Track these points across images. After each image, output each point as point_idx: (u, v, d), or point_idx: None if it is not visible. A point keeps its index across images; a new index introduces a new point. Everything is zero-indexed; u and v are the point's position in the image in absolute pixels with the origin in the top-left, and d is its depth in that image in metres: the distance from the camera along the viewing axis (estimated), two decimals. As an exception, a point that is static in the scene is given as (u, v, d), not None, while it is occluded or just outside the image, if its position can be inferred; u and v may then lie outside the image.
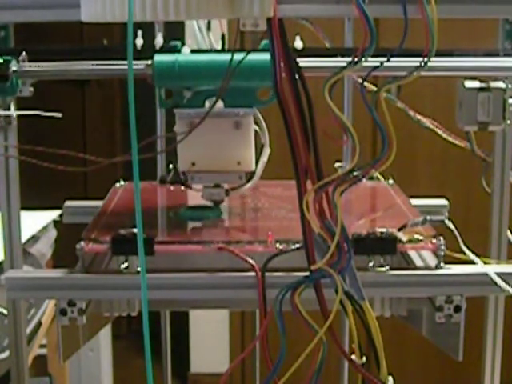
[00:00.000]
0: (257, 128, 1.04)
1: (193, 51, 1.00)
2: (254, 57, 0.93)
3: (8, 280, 0.93)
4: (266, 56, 0.90)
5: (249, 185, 1.04)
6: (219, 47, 1.06)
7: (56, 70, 0.95)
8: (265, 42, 0.97)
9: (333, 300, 0.81)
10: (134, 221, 0.73)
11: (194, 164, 1.02)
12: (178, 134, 0.99)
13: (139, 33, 1.00)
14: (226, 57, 0.94)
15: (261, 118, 1.03)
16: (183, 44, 1.01)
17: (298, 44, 1.00)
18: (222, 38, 1.06)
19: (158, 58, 0.95)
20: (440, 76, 0.95)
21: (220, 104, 0.99)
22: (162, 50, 0.98)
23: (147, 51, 0.97)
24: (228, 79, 0.90)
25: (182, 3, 0.73)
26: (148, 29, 1.04)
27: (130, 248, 0.92)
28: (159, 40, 1.02)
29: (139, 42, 1.00)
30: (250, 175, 1.04)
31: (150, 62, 0.94)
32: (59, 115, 0.96)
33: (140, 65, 0.95)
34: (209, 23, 1.08)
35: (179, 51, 0.98)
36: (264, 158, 1.04)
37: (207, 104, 0.99)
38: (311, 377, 0.84)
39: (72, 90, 3.15)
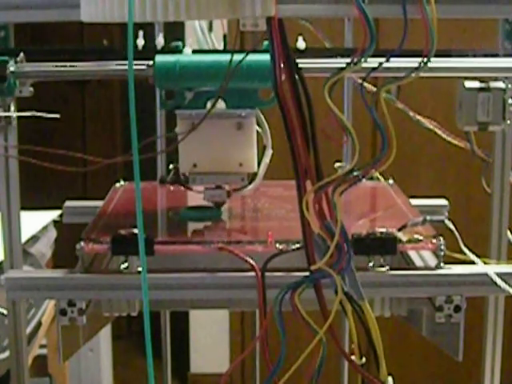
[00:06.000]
0: (259, 129, 1.03)
1: (194, 52, 1.00)
2: (256, 57, 0.92)
3: (8, 280, 0.93)
4: (268, 56, 0.90)
5: (251, 186, 1.03)
6: (221, 47, 1.06)
7: (54, 70, 0.95)
8: (267, 42, 0.97)
9: (333, 300, 0.81)
10: (134, 221, 0.73)
11: (195, 165, 1.01)
12: (180, 134, 0.99)
13: (140, 33, 0.99)
14: (228, 57, 0.93)
15: (263, 118, 1.03)
16: (183, 44, 1.00)
17: (301, 44, 1.00)
18: (224, 38, 1.06)
19: (159, 58, 0.94)
20: (440, 77, 0.95)
21: (222, 105, 0.99)
22: (164, 51, 0.97)
23: (149, 52, 0.97)
24: (228, 80, 0.90)
25: (182, 3, 0.73)
26: (149, 29, 1.04)
27: (130, 248, 0.92)
28: (160, 40, 1.02)
29: (140, 42, 1.00)
30: (251, 176, 1.03)
31: (151, 62, 0.94)
32: (57, 116, 0.96)
33: (141, 65, 0.95)
34: (210, 23, 1.07)
35: (181, 52, 0.98)
36: (266, 160, 1.03)
37: (209, 105, 0.99)
38: (311, 377, 0.84)
39: (72, 90, 3.16)
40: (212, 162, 1.01)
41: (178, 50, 0.98)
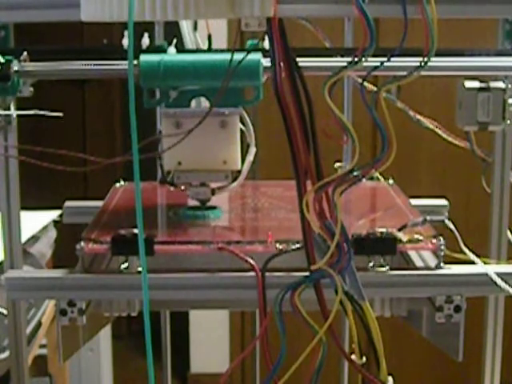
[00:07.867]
0: (243, 127, 1.04)
1: (179, 51, 1.00)
2: (242, 56, 0.92)
3: (8, 280, 0.93)
4: (252, 56, 0.91)
5: (235, 184, 1.04)
6: (205, 47, 1.06)
7: (56, 69, 0.95)
8: (250, 41, 0.98)
9: (333, 300, 0.81)
10: (134, 221, 0.73)
11: (180, 163, 1.02)
12: (164, 133, 0.99)
13: (126, 33, 0.99)
14: (212, 57, 0.94)
15: (247, 117, 1.03)
16: (176, 44, 1.01)
17: (145, 41, 1.01)
18: (209, 38, 1.06)
19: (143, 57, 0.95)
20: (440, 76, 0.95)
21: (206, 103, 0.99)
22: (149, 50, 0.98)
23: (134, 51, 0.97)
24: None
25: (182, 3, 0.73)
26: (139, 29, 1.04)
27: (130, 248, 0.92)
28: (145, 40, 1.02)
29: (126, 42, 1.00)
30: (236, 174, 1.04)
31: (136, 62, 0.94)
32: (60, 115, 0.96)
33: (126, 65, 0.95)
34: (195, 23, 1.08)
35: (165, 51, 0.98)
36: (250, 157, 1.04)
37: (193, 103, 0.99)
38: (311, 377, 0.84)
39: (72, 89, 3.16)
40: (196, 159, 1.02)
41: (163, 50, 0.98)
